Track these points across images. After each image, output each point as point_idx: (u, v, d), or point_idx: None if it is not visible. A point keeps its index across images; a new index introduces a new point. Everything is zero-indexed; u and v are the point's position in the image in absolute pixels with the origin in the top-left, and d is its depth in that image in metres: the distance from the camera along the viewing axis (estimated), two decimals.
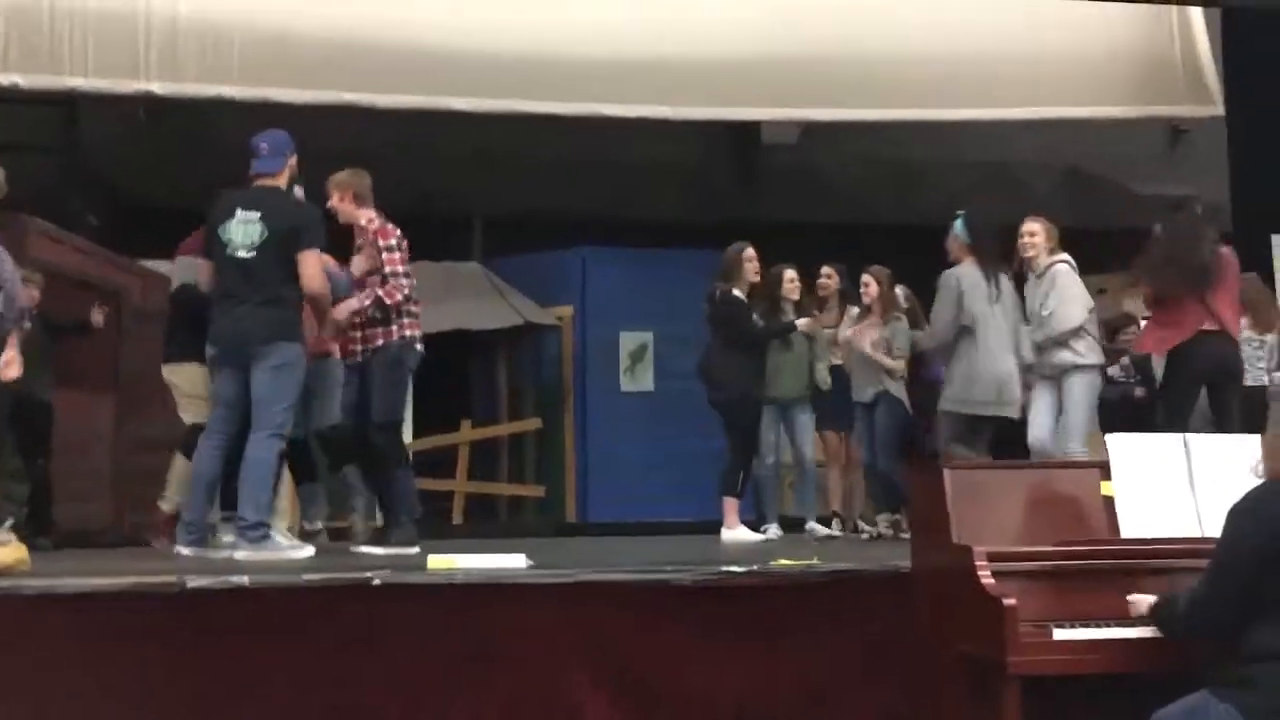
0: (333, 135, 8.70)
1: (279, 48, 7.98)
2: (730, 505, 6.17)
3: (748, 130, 9.85)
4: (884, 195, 9.69)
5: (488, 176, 9.51)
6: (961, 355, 5.49)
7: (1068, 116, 9.06)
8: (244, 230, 4.69)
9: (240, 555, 4.47)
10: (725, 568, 3.69)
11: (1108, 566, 2.97)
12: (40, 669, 3.39)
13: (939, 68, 8.59)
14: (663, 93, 8.47)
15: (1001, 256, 5.69)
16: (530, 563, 3.85)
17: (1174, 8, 8.93)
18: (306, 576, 3.61)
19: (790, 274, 6.64)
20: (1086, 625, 2.86)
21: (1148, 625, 2.80)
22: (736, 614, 3.69)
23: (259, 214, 4.70)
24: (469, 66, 8.25)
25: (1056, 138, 9.65)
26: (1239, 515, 2.58)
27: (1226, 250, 5.64)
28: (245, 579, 3.50)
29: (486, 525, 9.04)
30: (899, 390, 6.32)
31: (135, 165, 9.44)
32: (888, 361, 6.30)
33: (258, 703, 3.48)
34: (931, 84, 8.61)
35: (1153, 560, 2.95)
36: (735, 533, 6.15)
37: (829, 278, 6.83)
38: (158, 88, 7.76)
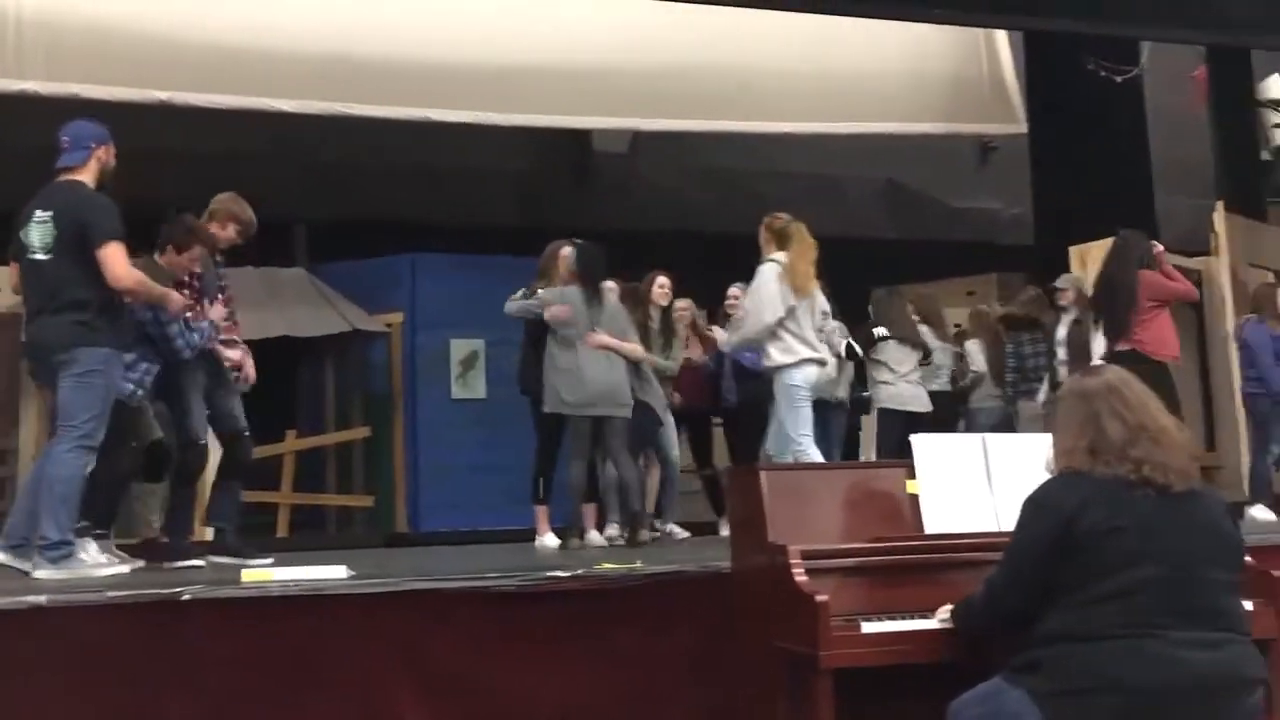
0: (154, 136, 8.38)
1: (92, 43, 7.65)
2: (540, 512, 6.20)
3: (579, 138, 9.92)
4: (709, 204, 9.89)
5: (313, 181, 9.30)
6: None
7: (884, 131, 9.45)
8: (39, 231, 4.42)
9: (40, 574, 4.20)
10: (549, 573, 3.70)
11: (913, 561, 3.11)
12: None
13: (764, 81, 8.86)
14: (494, 99, 8.45)
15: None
16: (351, 573, 3.78)
17: (982, 31, 9.43)
18: (111, 594, 3.45)
19: (662, 279, 6.76)
20: (893, 618, 2.98)
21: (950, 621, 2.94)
22: (561, 619, 3.70)
23: (51, 212, 4.43)
24: (295, 68, 8.07)
25: (876, 152, 10.05)
26: (1031, 505, 2.72)
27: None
28: (43, 599, 3.32)
29: (314, 537, 8.81)
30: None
31: None
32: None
33: None
34: (756, 97, 8.86)
35: (954, 554, 3.10)
36: (544, 540, 6.15)
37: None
38: None
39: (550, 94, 8.65)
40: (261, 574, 3.69)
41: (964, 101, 9.61)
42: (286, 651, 3.54)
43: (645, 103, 8.90)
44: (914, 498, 3.28)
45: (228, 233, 5.31)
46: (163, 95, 7.75)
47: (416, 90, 8.31)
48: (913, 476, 3.29)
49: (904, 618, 2.98)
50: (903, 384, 6.93)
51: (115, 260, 4.37)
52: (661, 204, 9.80)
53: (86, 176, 4.55)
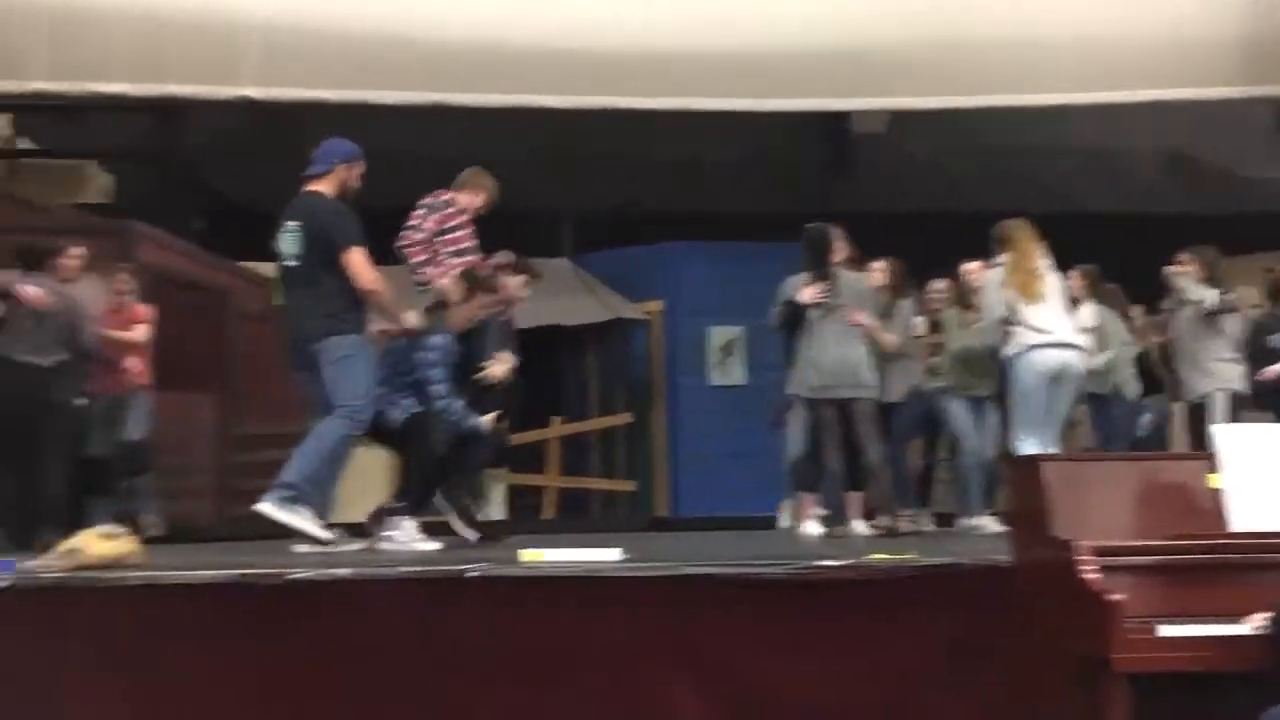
0: (424, 136, 8.86)
1: (375, 51, 8.13)
2: (804, 499, 6.21)
3: (837, 121, 9.76)
4: (979, 183, 9.51)
5: (577, 172, 9.57)
6: None
7: (1171, 99, 8.78)
8: (290, 240, 4.86)
9: (260, 506, 4.67)
10: (820, 562, 3.65)
11: (1216, 561, 2.87)
12: (148, 656, 3.51)
13: (1035, 52, 8.40)
14: (749, 85, 8.43)
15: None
16: (625, 555, 3.86)
17: None
18: (402, 569, 3.66)
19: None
20: (1194, 621, 2.77)
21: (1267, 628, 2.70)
22: (832, 609, 3.65)
23: (299, 222, 4.85)
24: (558, 64, 8.31)
25: (1159, 121, 9.37)
26: None
27: None
28: (346, 571, 3.57)
29: (578, 520, 9.11)
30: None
31: (238, 169, 9.72)
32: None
33: (350, 692, 3.55)
34: (1028, 69, 8.42)
35: (1265, 555, 2.85)
36: (806, 527, 6.15)
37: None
38: (255, 92, 7.97)
39: (806, 77, 8.54)
40: (536, 555, 3.83)
41: (1258, 63, 8.80)
42: (559, 630, 3.66)
43: (906, 80, 8.64)
44: (1216, 492, 3.03)
45: (479, 201, 5.78)
46: (438, 97, 8.15)
47: (675, 80, 8.38)
48: (1214, 470, 3.05)
49: (1207, 621, 2.76)
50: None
51: (359, 263, 4.78)
52: (925, 184, 9.51)
53: (324, 187, 4.93)
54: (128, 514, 6.81)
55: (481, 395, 5.55)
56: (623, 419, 9.52)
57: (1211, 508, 3.03)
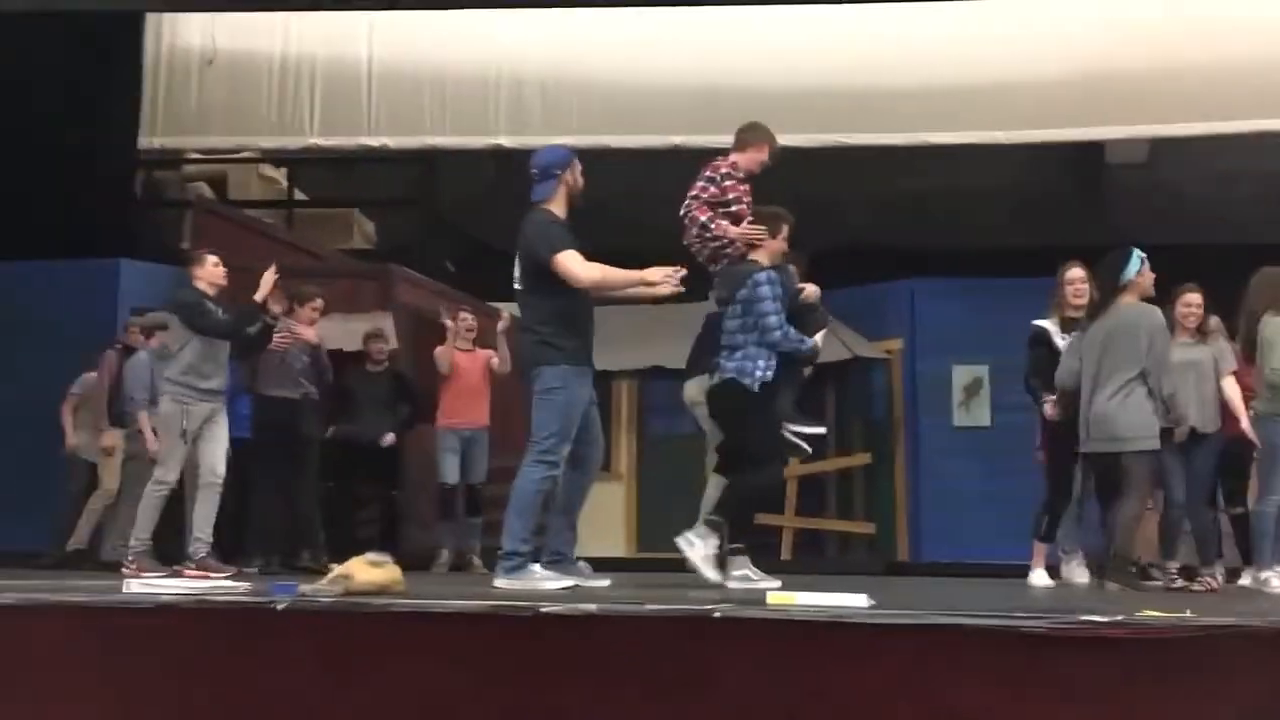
0: (655, 178, 9.02)
1: (613, 98, 8.38)
2: (1038, 549, 5.96)
3: (1089, 151, 9.33)
4: (1250, 212, 8.87)
5: (812, 209, 9.50)
6: None
7: None
8: (517, 265, 4.86)
9: (498, 583, 4.61)
10: (1085, 617, 3.44)
11: None
12: (408, 679, 3.66)
13: None
14: (994, 117, 8.19)
15: None
16: (872, 602, 3.76)
17: None
18: (649, 607, 3.68)
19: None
20: None
21: None
22: (1095, 668, 3.43)
23: (520, 247, 4.81)
24: (795, 102, 8.32)
25: None
26: None
27: None
28: (594, 607, 3.62)
29: (815, 561, 8.97)
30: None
31: (486, 214, 10.17)
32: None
33: None
34: None
35: None
36: (1034, 576, 5.92)
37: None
38: (506, 141, 8.35)
39: (1055, 106, 8.23)
40: (785, 598, 3.78)
41: None
42: (802, 675, 3.59)
43: (1165, 107, 8.19)
44: None
45: (761, 156, 5.51)
46: (676, 140, 8.31)
47: (907, 116, 8.25)
48: None
49: None
50: None
51: (568, 266, 4.62)
52: (1189, 215, 8.95)
53: (555, 205, 4.84)
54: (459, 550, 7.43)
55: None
56: (861, 459, 9.32)
57: None
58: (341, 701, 3.65)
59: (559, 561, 4.95)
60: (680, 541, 4.79)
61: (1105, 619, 3.40)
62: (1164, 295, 6.23)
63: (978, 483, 8.46)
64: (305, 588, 3.86)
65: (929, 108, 8.27)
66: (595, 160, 8.50)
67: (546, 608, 3.62)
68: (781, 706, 3.58)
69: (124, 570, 5.56)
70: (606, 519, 9.38)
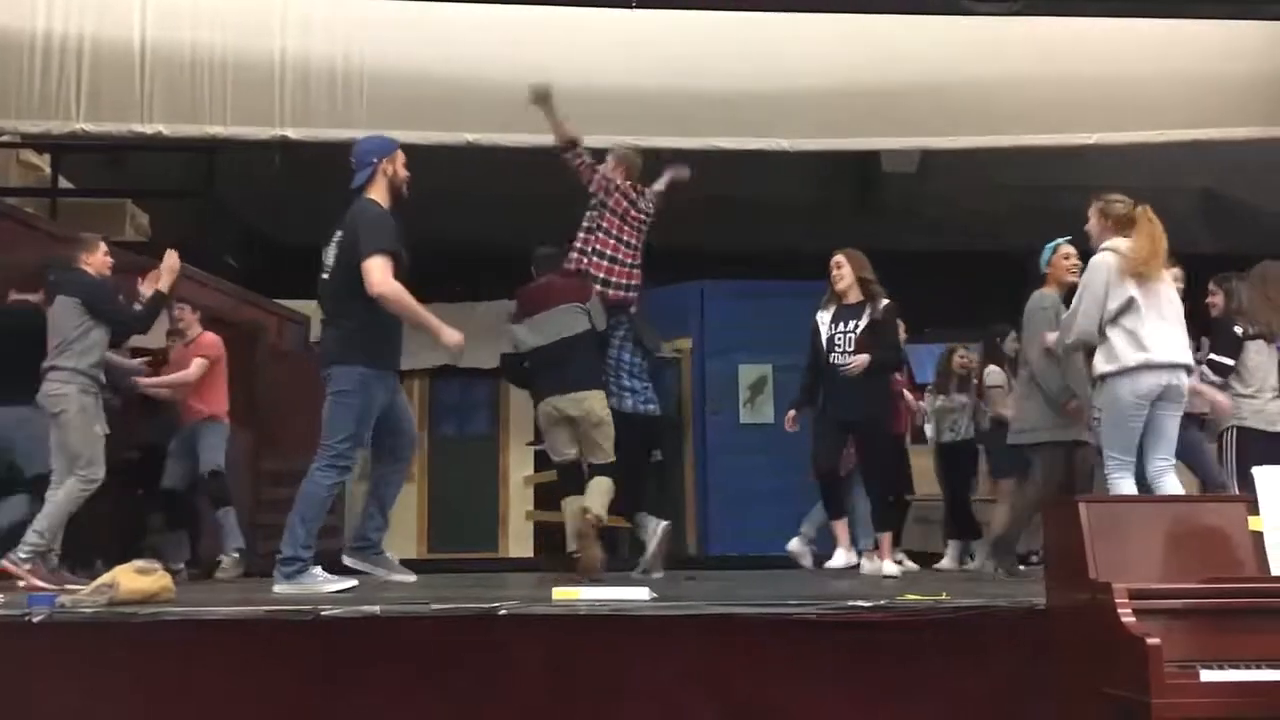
0: (454, 175, 8.94)
1: (405, 91, 8.22)
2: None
3: (866, 160, 9.78)
4: (1006, 222, 9.50)
5: None
6: None
7: (1202, 139, 8.76)
8: (332, 250, 4.67)
9: (276, 588, 4.42)
10: (851, 602, 3.62)
11: (1259, 605, 2.83)
12: (180, 689, 3.52)
13: (1066, 91, 8.41)
14: (777, 125, 8.46)
15: None
16: (654, 595, 3.85)
17: None
18: (435, 606, 3.66)
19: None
20: (1237, 667, 2.73)
21: None
22: (862, 651, 3.62)
23: (340, 232, 4.64)
24: (588, 104, 8.37)
25: (1186, 161, 9.34)
26: None
27: None
28: (377, 609, 3.58)
29: (607, 559, 9.06)
30: None
31: (271, 208, 9.83)
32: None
33: None
34: (1059, 108, 8.42)
35: None
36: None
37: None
38: (291, 133, 8.07)
39: (836, 117, 8.57)
40: (570, 593, 3.82)
41: None
42: (591, 667, 3.65)
43: (935, 121, 8.65)
44: (1257, 535, 2.99)
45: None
46: (473, 137, 8.23)
47: (703, 120, 8.43)
48: (1255, 512, 3.01)
49: (1249, 667, 2.72)
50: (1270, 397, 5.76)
51: (373, 269, 4.42)
52: (954, 224, 9.50)
53: (375, 193, 4.67)
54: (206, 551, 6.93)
55: None
56: (652, 456, 9.49)
57: (1253, 551, 3.00)
58: (106, 713, 3.48)
59: (365, 548, 4.85)
60: None
61: (870, 604, 3.60)
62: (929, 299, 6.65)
63: (761, 478, 8.73)
64: (64, 599, 3.65)
65: (722, 113, 8.47)
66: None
67: (328, 611, 3.55)
68: (572, 699, 3.62)
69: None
70: (396, 519, 9.21)
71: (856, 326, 6.08)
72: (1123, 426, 4.77)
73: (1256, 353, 5.77)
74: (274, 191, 9.66)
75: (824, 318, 6.27)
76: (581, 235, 6.33)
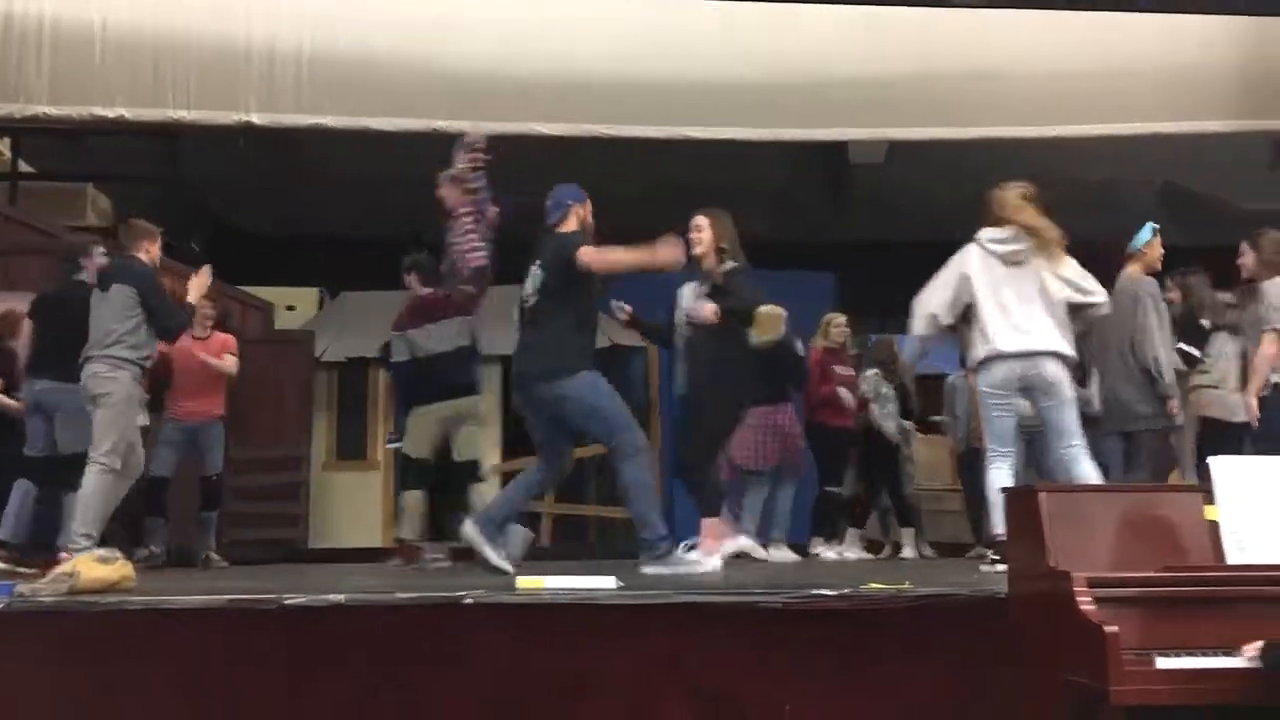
0: (426, 162, 8.88)
1: (372, 78, 8.18)
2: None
3: (834, 150, 9.81)
4: (972, 214, 9.54)
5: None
6: None
7: (1165, 132, 8.86)
8: (530, 280, 5.04)
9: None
10: (816, 591, 3.65)
11: (1214, 594, 2.88)
12: (141, 680, 3.50)
13: (1030, 85, 8.48)
14: (746, 115, 8.48)
15: None
16: (620, 584, 3.86)
17: (1274, 20, 8.70)
18: (400, 595, 3.66)
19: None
20: (1191, 654, 2.77)
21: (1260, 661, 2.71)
22: (827, 638, 3.65)
23: (539, 261, 5.04)
24: (555, 92, 8.36)
25: (1151, 153, 9.44)
26: None
27: None
28: (341, 598, 3.56)
29: (576, 547, 9.08)
30: None
31: (236, 194, 9.75)
32: None
33: (349, 718, 3.54)
34: (1023, 101, 8.50)
35: (1260, 588, 2.85)
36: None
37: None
38: (257, 118, 8.00)
39: (805, 107, 8.60)
40: (534, 582, 3.82)
41: (1255, 96, 8.88)
42: (555, 656, 3.66)
43: (902, 112, 8.71)
44: (1213, 525, 3.04)
45: None
46: (439, 124, 8.19)
47: (670, 109, 8.44)
48: (1211, 501, 3.06)
49: (1204, 654, 2.76)
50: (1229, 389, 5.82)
51: (583, 254, 4.85)
52: (921, 214, 9.55)
53: (568, 228, 5.10)
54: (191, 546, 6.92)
55: None
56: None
57: (1208, 540, 3.04)
58: (66, 703, 3.45)
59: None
60: None
61: (834, 592, 3.62)
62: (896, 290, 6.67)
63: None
64: (24, 587, 3.62)
65: (692, 101, 8.47)
66: (354, 141, 8.35)
67: (291, 600, 3.53)
68: (537, 688, 3.63)
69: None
70: (360, 508, 9.19)
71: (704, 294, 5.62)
72: (988, 417, 4.86)
73: (1220, 345, 5.87)
74: (238, 176, 9.58)
75: (687, 290, 5.81)
76: (472, 240, 6.30)
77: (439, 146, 8.41)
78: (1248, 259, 5.70)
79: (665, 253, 4.90)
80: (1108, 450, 5.58)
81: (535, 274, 5.00)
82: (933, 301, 4.97)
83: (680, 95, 8.35)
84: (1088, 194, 9.26)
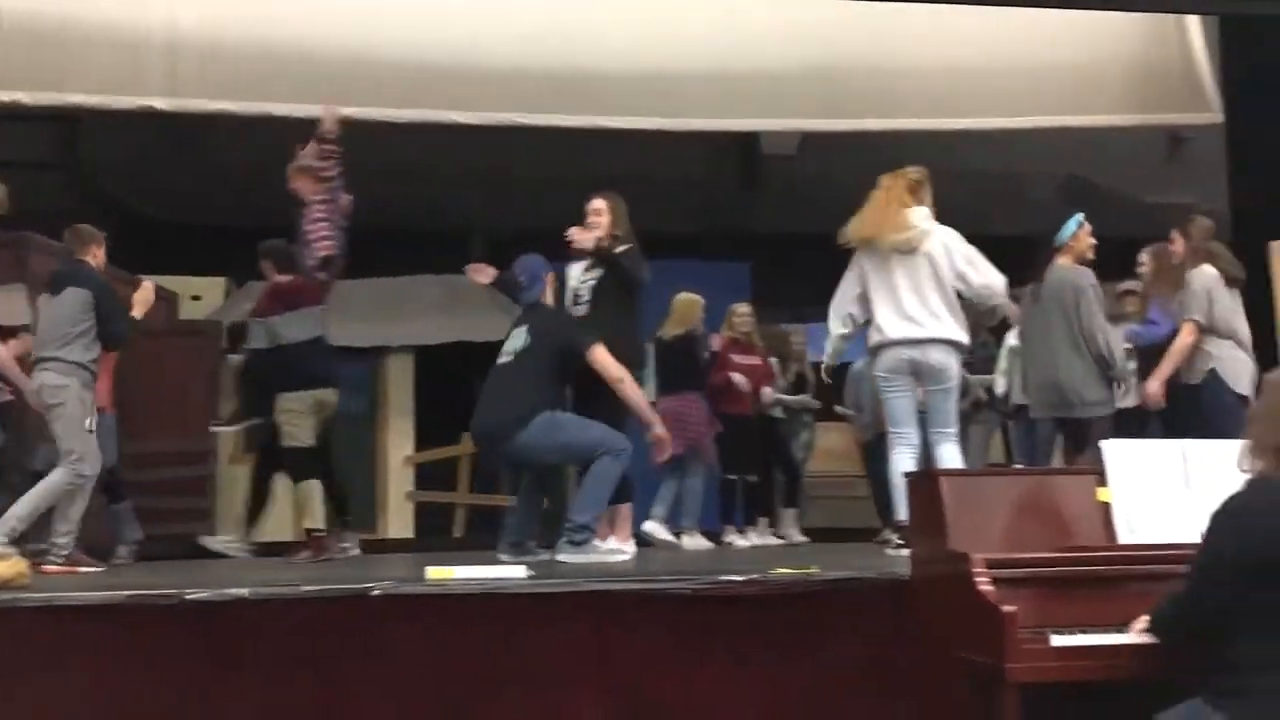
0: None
1: (279, 63, 8.03)
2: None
3: (747, 142, 9.88)
4: None
5: (490, 190, 9.53)
6: None
7: (1069, 125, 9.08)
8: (516, 339, 5.23)
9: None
10: (725, 577, 3.68)
11: (1105, 573, 2.97)
12: (40, 679, 3.40)
13: (938, 78, 8.62)
14: (662, 104, 8.50)
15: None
16: (530, 573, 3.85)
17: (1172, 16, 8.96)
18: (305, 588, 3.61)
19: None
20: (1084, 631, 2.86)
21: (1146, 634, 2.80)
22: (736, 623, 3.69)
23: (527, 326, 5.24)
24: (469, 80, 8.29)
25: (1056, 147, 9.66)
26: (1221, 521, 2.58)
27: None
28: (245, 591, 3.50)
29: (490, 538, 9.02)
30: None
31: (137, 181, 9.49)
32: None
33: (256, 713, 3.49)
34: (930, 94, 8.64)
35: (1149, 566, 2.95)
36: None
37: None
38: (159, 103, 7.80)
39: (718, 98, 8.64)
40: (444, 572, 3.80)
41: (1152, 91, 9.15)
42: (467, 647, 3.64)
43: (814, 103, 8.80)
44: (1105, 506, 3.14)
45: None
46: (347, 111, 8.04)
47: (587, 98, 8.41)
48: (1103, 484, 3.16)
49: (1096, 631, 2.85)
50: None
51: (601, 358, 5.08)
52: (832, 206, 9.66)
53: (548, 301, 5.38)
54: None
55: None
56: None
57: (1101, 521, 3.14)
58: None
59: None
60: None
61: (742, 578, 3.66)
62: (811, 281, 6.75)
63: (642, 458, 8.75)
64: None
65: (608, 91, 8.46)
66: (257, 126, 8.16)
67: (193, 594, 3.46)
68: (450, 680, 3.61)
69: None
70: (275, 502, 9.03)
71: (597, 277, 5.55)
72: (884, 400, 5.02)
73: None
74: (141, 163, 9.33)
75: (575, 269, 5.73)
76: (322, 229, 6.25)
77: (345, 134, 8.32)
78: (1178, 245, 5.81)
79: (659, 436, 5.38)
80: (1041, 437, 5.72)
81: (520, 338, 5.14)
82: (845, 299, 5.07)
83: (590, 85, 8.34)
84: (992, 186, 9.47)
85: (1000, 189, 9.50)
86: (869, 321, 5.09)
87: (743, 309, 7.66)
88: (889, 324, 4.92)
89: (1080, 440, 5.27)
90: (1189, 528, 3.01)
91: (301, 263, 6.22)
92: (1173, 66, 9.18)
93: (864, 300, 5.06)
